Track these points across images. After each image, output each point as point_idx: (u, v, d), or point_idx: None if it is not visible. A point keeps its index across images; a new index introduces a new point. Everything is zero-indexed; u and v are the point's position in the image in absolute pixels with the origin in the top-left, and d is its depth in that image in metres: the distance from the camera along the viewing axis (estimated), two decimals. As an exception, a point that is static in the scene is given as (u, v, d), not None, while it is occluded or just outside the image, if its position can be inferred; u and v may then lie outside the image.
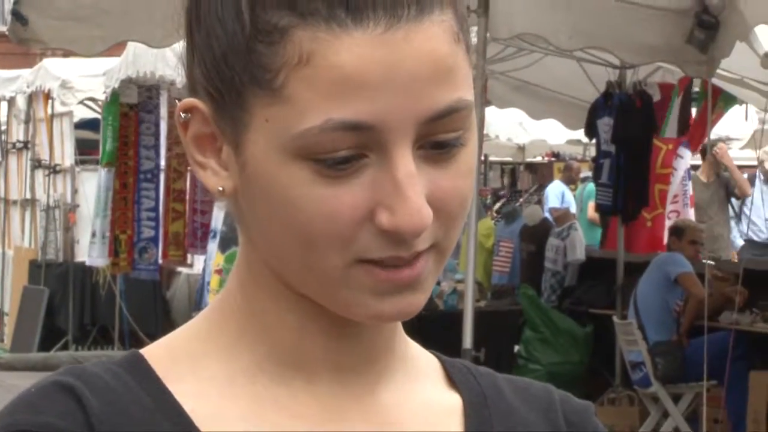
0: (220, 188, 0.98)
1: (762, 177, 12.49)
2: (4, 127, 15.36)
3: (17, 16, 7.16)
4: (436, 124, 0.91)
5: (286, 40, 0.90)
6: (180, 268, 12.70)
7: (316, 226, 0.92)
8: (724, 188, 12.01)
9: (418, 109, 0.90)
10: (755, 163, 13.14)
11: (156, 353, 1.02)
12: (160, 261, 11.49)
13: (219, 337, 1.02)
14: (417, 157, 0.92)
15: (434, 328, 7.43)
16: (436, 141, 0.92)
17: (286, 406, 1.00)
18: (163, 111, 11.11)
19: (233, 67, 0.93)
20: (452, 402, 1.06)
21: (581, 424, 1.09)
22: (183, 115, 0.98)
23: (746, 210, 12.30)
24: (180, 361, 1.01)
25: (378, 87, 0.90)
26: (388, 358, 1.04)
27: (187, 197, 11.12)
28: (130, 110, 11.01)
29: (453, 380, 1.07)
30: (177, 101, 1.00)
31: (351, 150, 0.90)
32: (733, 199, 12.42)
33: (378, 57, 0.89)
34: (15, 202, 15.38)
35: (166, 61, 9.78)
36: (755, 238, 12.39)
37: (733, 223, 12.65)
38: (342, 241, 0.92)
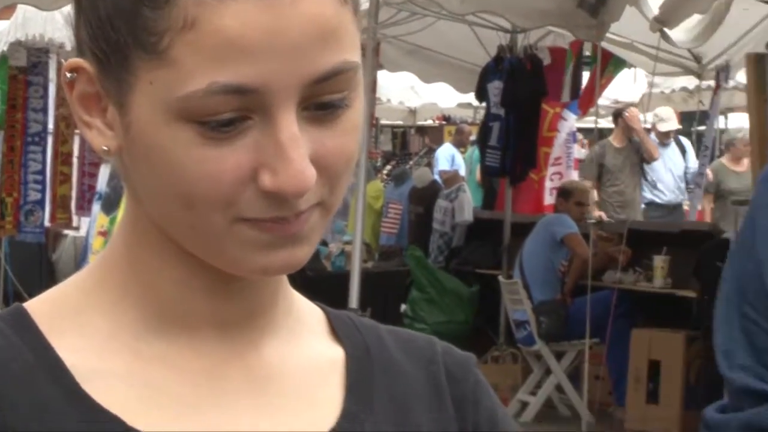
0: (105, 147, 0.97)
1: (655, 140, 12.72)
2: None
3: None
4: (321, 86, 0.92)
5: (171, 5, 0.90)
6: (66, 231, 12.56)
7: (199, 186, 0.92)
8: (636, 153, 12.10)
9: (303, 71, 0.91)
10: (644, 125, 13.33)
11: (39, 307, 1.01)
12: (47, 224, 11.40)
13: (102, 293, 1.01)
14: (302, 118, 0.92)
15: (322, 289, 7.37)
16: (321, 102, 0.93)
17: (169, 362, 0.99)
18: (52, 74, 10.88)
19: (119, 30, 0.92)
20: (335, 355, 1.06)
21: (462, 375, 1.10)
22: (69, 74, 0.98)
23: (646, 174, 12.48)
24: (63, 315, 1.00)
25: (262, 51, 0.89)
26: (273, 313, 1.04)
27: (76, 160, 11.01)
28: (19, 73, 10.84)
29: (337, 333, 1.08)
30: (76, 63, 0.99)
31: (234, 112, 0.91)
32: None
33: (263, 22, 0.89)
34: None
35: (55, 24, 9.57)
36: (657, 200, 12.58)
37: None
38: (224, 201, 0.93)
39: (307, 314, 1.08)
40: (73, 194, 11.00)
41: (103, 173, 10.11)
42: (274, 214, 0.93)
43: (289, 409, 1.02)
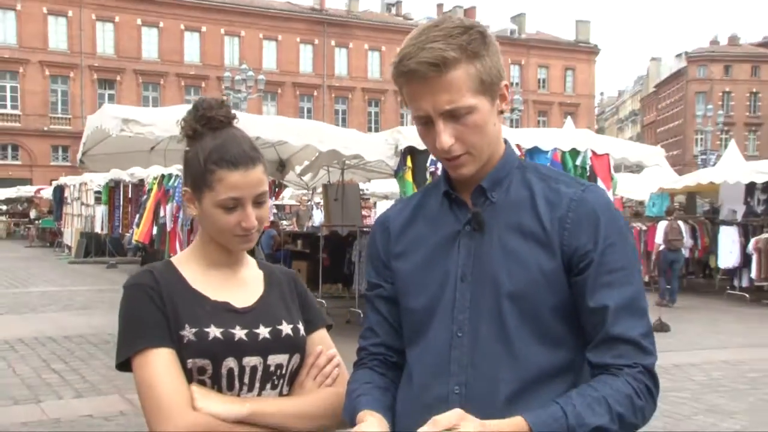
0: (194, 214, 1.81)
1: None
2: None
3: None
4: (258, 196, 1.78)
5: (215, 174, 1.73)
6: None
7: (224, 227, 1.77)
8: None
9: (253, 193, 1.75)
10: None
11: (176, 258, 1.87)
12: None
13: (193, 255, 1.87)
14: (252, 206, 1.78)
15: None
16: (258, 201, 1.77)
17: (215, 277, 1.84)
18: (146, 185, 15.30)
19: (198, 181, 1.76)
20: (260, 275, 1.93)
21: (296, 279, 1.97)
22: (184, 192, 1.81)
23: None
24: (185, 261, 1.86)
25: (242, 188, 1.73)
26: (242, 259, 1.90)
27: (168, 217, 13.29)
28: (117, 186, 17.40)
29: (260, 266, 1.94)
30: (185, 188, 1.81)
31: (233, 204, 1.74)
32: None
33: (242, 179, 1.73)
34: None
35: (153, 170, 13.10)
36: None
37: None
38: (231, 231, 1.77)
39: (249, 260, 1.92)
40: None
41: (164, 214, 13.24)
42: (243, 234, 1.79)
43: (250, 291, 1.88)
